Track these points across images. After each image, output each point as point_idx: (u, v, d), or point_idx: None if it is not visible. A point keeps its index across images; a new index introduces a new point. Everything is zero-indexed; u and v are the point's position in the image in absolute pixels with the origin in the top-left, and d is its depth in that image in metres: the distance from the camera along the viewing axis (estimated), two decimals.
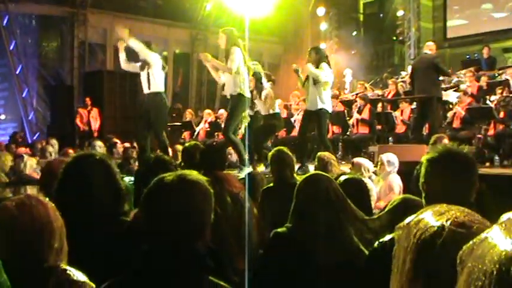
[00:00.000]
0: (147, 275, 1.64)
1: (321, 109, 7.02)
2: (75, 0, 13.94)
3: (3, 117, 15.16)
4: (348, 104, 11.06)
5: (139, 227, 1.89)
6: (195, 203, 1.66)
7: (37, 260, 1.51)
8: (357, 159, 5.61)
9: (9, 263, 1.11)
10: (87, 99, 12.34)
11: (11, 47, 13.41)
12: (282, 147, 4.24)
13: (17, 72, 13.63)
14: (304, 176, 2.45)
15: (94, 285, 1.63)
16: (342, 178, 3.22)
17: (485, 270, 0.71)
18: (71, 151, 8.19)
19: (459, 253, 0.80)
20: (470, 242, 0.79)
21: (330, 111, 7.38)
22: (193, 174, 1.73)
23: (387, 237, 1.85)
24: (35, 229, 1.52)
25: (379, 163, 5.62)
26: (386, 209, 2.52)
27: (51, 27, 14.47)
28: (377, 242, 1.87)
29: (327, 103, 7.13)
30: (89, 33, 14.23)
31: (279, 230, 2.29)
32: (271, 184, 4.01)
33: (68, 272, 1.58)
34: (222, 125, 6.69)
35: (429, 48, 8.41)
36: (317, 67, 7.01)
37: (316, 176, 2.45)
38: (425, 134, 8.37)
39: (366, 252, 2.18)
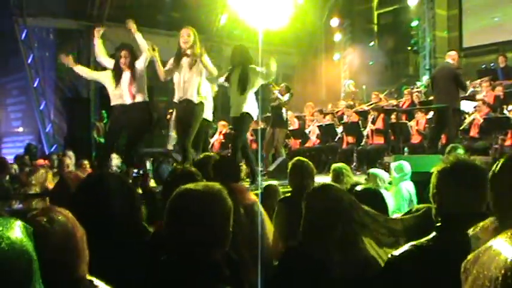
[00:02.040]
0: (165, 284, 1.65)
1: (246, 113, 6.42)
2: (92, 14, 14.14)
3: (20, 129, 15.37)
4: (363, 114, 11.02)
5: (159, 238, 1.91)
6: (216, 214, 1.70)
7: (66, 271, 1.51)
8: (372, 170, 5.59)
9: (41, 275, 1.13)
10: (104, 112, 12.48)
11: (29, 61, 13.63)
12: (301, 157, 4.20)
13: (35, 85, 13.84)
14: (313, 187, 2.41)
15: None
16: (359, 188, 3.20)
17: (490, 276, 0.73)
18: (86, 162, 8.30)
19: (463, 262, 0.80)
20: (475, 252, 0.80)
21: (255, 116, 6.71)
22: (216, 186, 1.77)
23: (399, 251, 1.84)
24: (64, 240, 1.52)
25: (391, 171, 5.62)
26: (412, 214, 2.51)
27: (68, 40, 14.68)
28: (390, 255, 1.87)
29: (253, 107, 6.54)
30: (105, 47, 14.40)
31: (291, 243, 2.27)
32: (289, 194, 3.97)
33: (95, 283, 1.59)
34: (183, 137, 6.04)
35: (451, 57, 8.34)
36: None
37: (326, 187, 2.39)
38: (441, 144, 8.31)
39: (383, 258, 2.16)
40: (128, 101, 6.11)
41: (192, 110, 5.92)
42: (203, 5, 15.19)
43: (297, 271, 2.18)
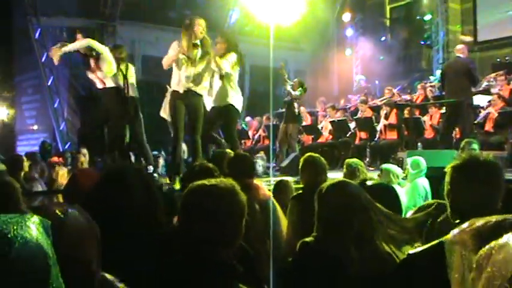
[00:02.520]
0: (176, 282, 1.65)
1: (230, 104, 6.31)
2: (105, 12, 14.23)
3: (35, 127, 15.52)
4: (376, 109, 10.96)
5: (172, 236, 1.91)
6: (229, 211, 1.70)
7: (79, 266, 1.49)
8: (385, 165, 5.54)
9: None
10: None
11: (43, 59, 13.74)
12: (313, 153, 4.14)
13: (49, 83, 13.96)
14: (328, 183, 2.36)
15: None
16: (369, 183, 3.18)
17: (510, 278, 0.70)
18: (99, 160, 8.36)
19: (475, 257, 0.79)
20: (488, 246, 0.78)
21: (240, 108, 6.56)
22: (230, 182, 1.77)
23: (421, 249, 1.83)
24: (78, 234, 1.51)
25: (406, 167, 5.57)
26: (423, 212, 2.51)
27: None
28: (407, 253, 1.87)
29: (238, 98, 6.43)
30: None
31: (307, 239, 2.24)
32: (300, 191, 3.91)
33: (108, 278, 1.58)
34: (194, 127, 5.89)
35: (461, 51, 8.24)
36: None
37: (343, 183, 2.37)
38: (455, 139, 8.24)
39: (397, 254, 2.16)
40: (99, 86, 6.40)
41: (200, 104, 5.88)
42: (214, 1, 15.20)
43: (312, 267, 2.16)
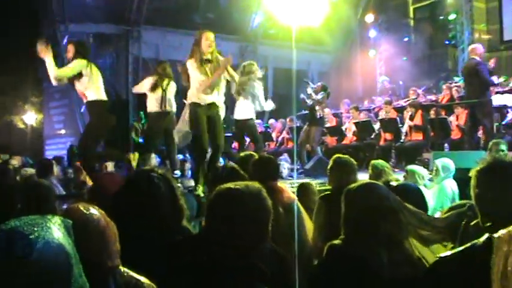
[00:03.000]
0: (201, 286, 1.67)
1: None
2: (130, 18, 14.44)
3: (63, 131, 15.82)
4: (400, 110, 10.86)
5: (197, 240, 1.93)
6: (255, 215, 1.70)
7: (102, 260, 1.54)
8: (410, 167, 5.49)
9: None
10: (141, 112, 12.69)
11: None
12: (342, 155, 4.10)
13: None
14: (357, 184, 2.34)
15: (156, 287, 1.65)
16: (394, 184, 3.15)
17: None
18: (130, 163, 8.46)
19: (509, 260, 0.79)
20: None
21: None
22: (256, 185, 1.77)
23: (449, 253, 1.82)
24: (102, 230, 1.56)
25: (434, 169, 5.51)
26: (456, 210, 2.49)
27: (107, 44, 15.02)
28: (437, 257, 1.85)
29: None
30: (142, 49, 14.70)
31: (335, 242, 2.22)
32: (328, 192, 3.81)
33: (130, 273, 1.62)
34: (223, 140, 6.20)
35: (474, 52, 8.15)
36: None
37: (371, 185, 2.35)
38: (483, 140, 8.13)
39: (427, 257, 2.14)
40: (84, 100, 6.33)
41: (219, 113, 6.11)
42: (237, 4, 15.27)
43: (340, 270, 2.14)
